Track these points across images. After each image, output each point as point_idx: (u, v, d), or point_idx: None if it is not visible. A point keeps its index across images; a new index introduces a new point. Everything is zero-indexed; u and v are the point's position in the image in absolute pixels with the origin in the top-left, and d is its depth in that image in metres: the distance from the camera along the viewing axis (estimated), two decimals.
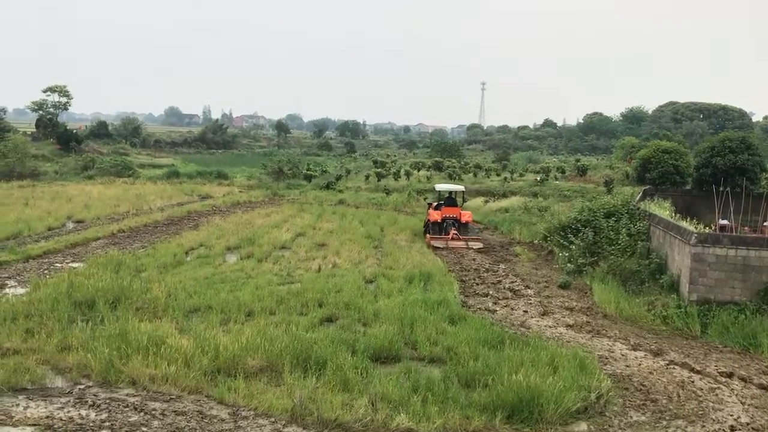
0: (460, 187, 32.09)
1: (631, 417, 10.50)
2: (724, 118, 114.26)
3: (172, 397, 10.45)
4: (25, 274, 18.78)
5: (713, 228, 20.56)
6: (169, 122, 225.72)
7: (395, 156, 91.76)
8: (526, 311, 16.98)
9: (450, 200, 29.04)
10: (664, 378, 12.33)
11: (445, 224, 27.24)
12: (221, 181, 53.09)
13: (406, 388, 10.64)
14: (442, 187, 32.21)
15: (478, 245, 26.23)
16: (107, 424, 9.42)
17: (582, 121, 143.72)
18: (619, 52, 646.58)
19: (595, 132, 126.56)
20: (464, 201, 31.38)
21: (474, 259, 23.79)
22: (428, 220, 28.37)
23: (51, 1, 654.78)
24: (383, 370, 11.78)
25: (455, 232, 26.57)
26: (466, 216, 28.15)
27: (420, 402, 10.12)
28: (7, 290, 16.94)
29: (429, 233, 27.27)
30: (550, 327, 15.58)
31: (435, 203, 29.47)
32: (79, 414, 9.74)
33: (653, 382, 12.09)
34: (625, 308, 17.17)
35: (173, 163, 69.70)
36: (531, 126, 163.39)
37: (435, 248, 25.35)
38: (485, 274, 21.27)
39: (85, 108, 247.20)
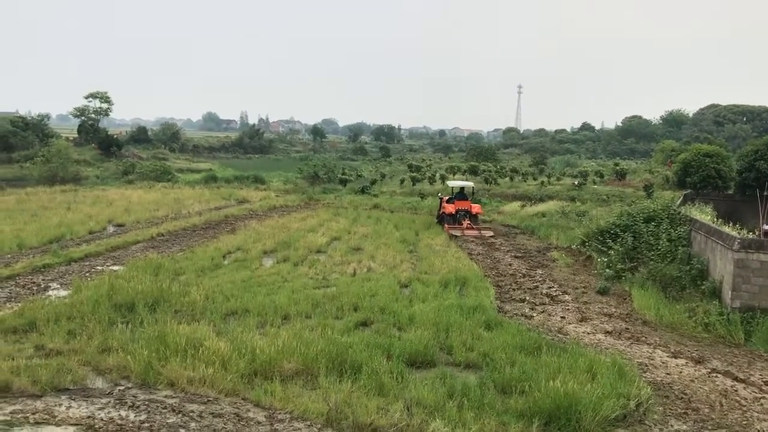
0: (470, 184, 37.26)
1: (671, 426, 10.26)
2: None
3: (209, 399, 10.54)
4: (68, 277, 19.17)
5: (757, 233, 20.04)
6: (207, 127, 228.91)
7: (430, 160, 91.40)
8: (563, 317, 16.76)
9: (461, 195, 33.21)
10: (706, 386, 12.05)
11: (458, 215, 31.43)
12: (258, 185, 53.49)
13: (441, 394, 10.57)
14: (454, 183, 36.30)
15: (490, 233, 30.15)
16: (146, 425, 9.55)
17: (621, 125, 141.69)
18: (659, 54, 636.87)
19: (634, 135, 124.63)
20: (473, 194, 36.43)
21: (510, 264, 23.61)
22: (442, 212, 32.56)
23: (93, 11, 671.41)
24: (418, 375, 11.73)
25: (469, 222, 30.73)
26: (476, 208, 32.53)
27: (456, 408, 10.04)
28: (50, 292, 17.32)
29: (446, 224, 31.10)
30: (588, 333, 15.35)
31: (447, 197, 33.39)
32: (119, 415, 9.89)
33: (695, 390, 11.82)
34: (666, 315, 16.79)
35: (211, 167, 70.71)
36: (568, 129, 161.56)
37: (453, 236, 28.94)
38: (522, 280, 21.07)
39: (125, 114, 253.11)
